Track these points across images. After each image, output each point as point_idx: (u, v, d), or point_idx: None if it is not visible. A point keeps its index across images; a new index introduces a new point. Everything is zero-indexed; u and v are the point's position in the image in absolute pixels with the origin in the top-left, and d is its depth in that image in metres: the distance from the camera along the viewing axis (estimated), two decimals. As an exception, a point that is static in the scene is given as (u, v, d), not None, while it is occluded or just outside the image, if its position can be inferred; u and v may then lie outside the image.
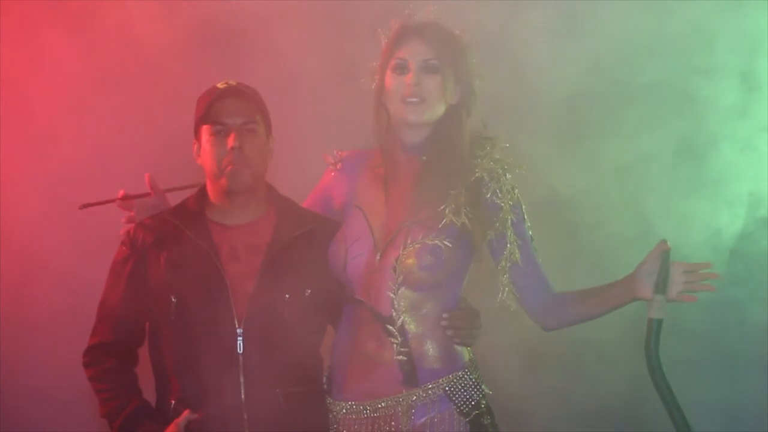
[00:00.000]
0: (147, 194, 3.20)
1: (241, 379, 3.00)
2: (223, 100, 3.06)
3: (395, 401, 3.04)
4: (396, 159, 3.14)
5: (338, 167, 3.25)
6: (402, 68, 3.07)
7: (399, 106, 3.07)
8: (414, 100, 3.05)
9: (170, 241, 3.08)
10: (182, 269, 3.05)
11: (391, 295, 3.04)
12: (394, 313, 3.03)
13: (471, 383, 3.07)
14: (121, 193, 3.19)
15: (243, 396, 3.00)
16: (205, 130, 3.09)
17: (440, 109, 3.08)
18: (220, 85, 3.09)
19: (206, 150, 3.08)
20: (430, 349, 3.05)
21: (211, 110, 3.06)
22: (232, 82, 3.10)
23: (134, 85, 4.38)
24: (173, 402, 3.04)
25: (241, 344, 3.01)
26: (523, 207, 3.10)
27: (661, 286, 2.93)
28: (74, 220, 4.25)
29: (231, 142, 3.04)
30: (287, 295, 3.05)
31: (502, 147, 3.10)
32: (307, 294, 3.07)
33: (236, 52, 4.40)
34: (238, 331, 3.01)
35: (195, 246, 3.06)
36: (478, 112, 3.13)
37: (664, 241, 2.97)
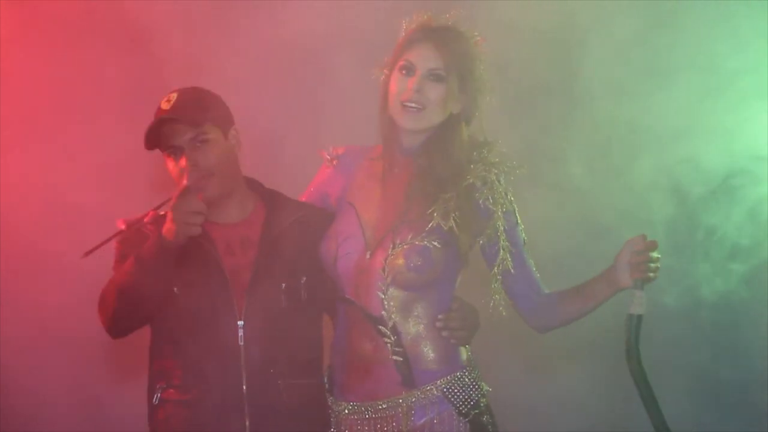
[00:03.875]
0: (141, 219, 3.16)
1: (243, 371, 3.02)
2: (165, 123, 3.04)
3: (395, 402, 3.05)
4: (393, 158, 3.14)
5: (334, 163, 3.25)
6: (408, 70, 3.05)
7: (397, 109, 3.06)
8: (413, 106, 3.04)
9: None
10: (183, 263, 3.04)
11: (381, 295, 3.04)
12: (384, 314, 3.04)
13: (469, 383, 3.08)
14: (120, 222, 3.15)
15: (245, 387, 3.01)
16: (163, 153, 3.09)
17: (439, 117, 3.06)
18: (163, 104, 3.07)
19: (170, 170, 3.10)
20: (426, 350, 3.05)
21: (158, 137, 3.06)
22: (173, 96, 3.07)
23: (134, 84, 4.39)
24: (163, 385, 3.06)
25: (242, 336, 3.03)
26: (516, 210, 3.09)
27: (639, 282, 2.95)
28: (76, 219, 4.28)
29: (183, 163, 3.04)
30: (284, 285, 3.07)
31: (499, 152, 3.09)
32: (303, 281, 3.09)
33: (240, 48, 4.43)
34: (239, 323, 3.03)
35: (193, 241, 3.04)
36: (480, 123, 3.12)
37: (642, 235, 2.98)
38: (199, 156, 3.04)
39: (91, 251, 3.09)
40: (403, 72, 3.05)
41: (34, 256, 4.37)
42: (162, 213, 3.11)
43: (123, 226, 3.12)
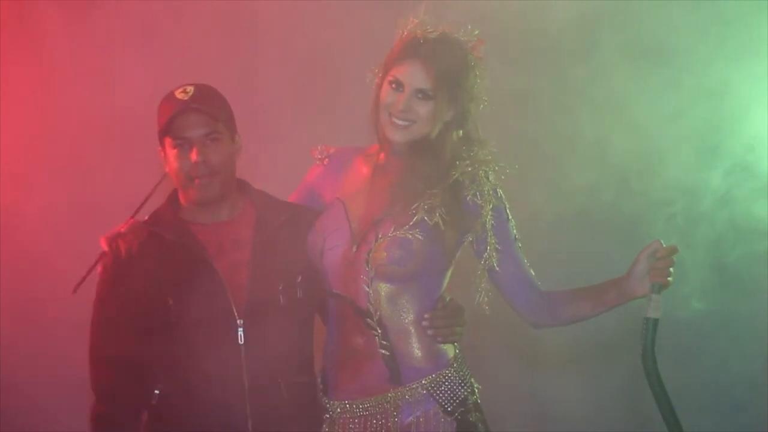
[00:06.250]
0: (119, 230, 3.14)
1: (244, 371, 3.02)
2: (182, 115, 3.05)
3: (384, 399, 3.06)
4: (385, 157, 3.15)
5: (325, 162, 3.26)
6: (398, 86, 3.04)
7: (387, 121, 3.06)
8: (401, 123, 3.04)
9: (154, 247, 3.07)
10: (173, 270, 3.05)
11: (366, 288, 3.04)
12: (370, 306, 3.04)
13: (455, 381, 3.07)
14: (102, 240, 3.14)
15: (246, 387, 3.02)
16: (167, 142, 3.09)
17: (429, 129, 3.05)
18: (178, 95, 3.07)
19: (171, 162, 3.09)
20: (412, 346, 3.05)
21: (171, 125, 3.06)
22: (190, 89, 3.09)
23: (134, 83, 4.40)
24: (157, 391, 3.05)
25: (242, 335, 3.03)
26: (507, 207, 3.08)
27: (657, 286, 2.95)
28: (77, 219, 4.29)
29: (195, 156, 3.05)
30: (281, 285, 3.08)
31: (491, 150, 3.09)
32: (298, 280, 3.11)
33: (239, 48, 4.44)
34: (239, 321, 3.04)
35: (180, 246, 3.06)
36: (475, 123, 3.10)
37: (658, 241, 2.99)
38: (210, 152, 3.07)
39: (79, 284, 3.10)
40: (393, 86, 3.05)
41: (34, 256, 4.38)
42: (145, 219, 3.13)
43: (105, 247, 3.11)
